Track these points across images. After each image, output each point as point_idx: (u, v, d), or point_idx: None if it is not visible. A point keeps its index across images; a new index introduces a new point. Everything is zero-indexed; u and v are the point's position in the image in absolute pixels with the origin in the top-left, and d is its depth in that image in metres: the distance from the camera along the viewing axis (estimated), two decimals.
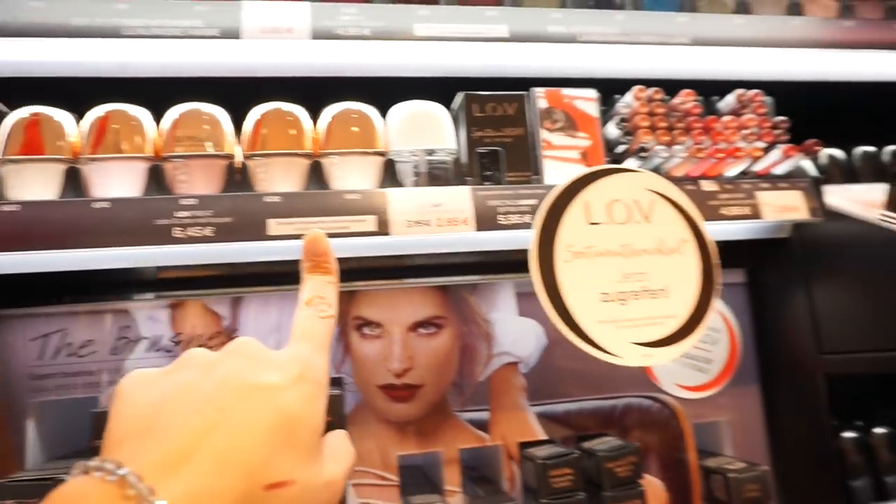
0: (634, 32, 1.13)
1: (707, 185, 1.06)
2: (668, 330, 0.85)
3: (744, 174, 1.12)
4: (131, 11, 0.97)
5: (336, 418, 0.45)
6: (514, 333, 1.22)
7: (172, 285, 1.14)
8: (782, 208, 1.07)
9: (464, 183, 1.01)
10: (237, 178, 0.99)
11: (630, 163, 1.09)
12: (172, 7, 0.98)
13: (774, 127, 1.11)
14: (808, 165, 1.21)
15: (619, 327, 0.83)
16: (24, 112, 0.94)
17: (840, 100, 1.32)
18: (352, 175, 1.01)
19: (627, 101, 1.11)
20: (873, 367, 1.01)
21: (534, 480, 1.02)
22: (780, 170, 1.12)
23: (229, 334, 1.13)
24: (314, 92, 1.04)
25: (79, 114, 0.97)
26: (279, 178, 0.99)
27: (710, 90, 1.17)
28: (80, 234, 0.86)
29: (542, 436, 1.18)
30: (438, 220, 0.94)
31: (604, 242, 0.86)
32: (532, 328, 1.22)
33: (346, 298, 1.17)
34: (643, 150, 1.05)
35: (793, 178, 1.11)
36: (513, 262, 1.21)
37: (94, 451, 0.90)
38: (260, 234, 0.90)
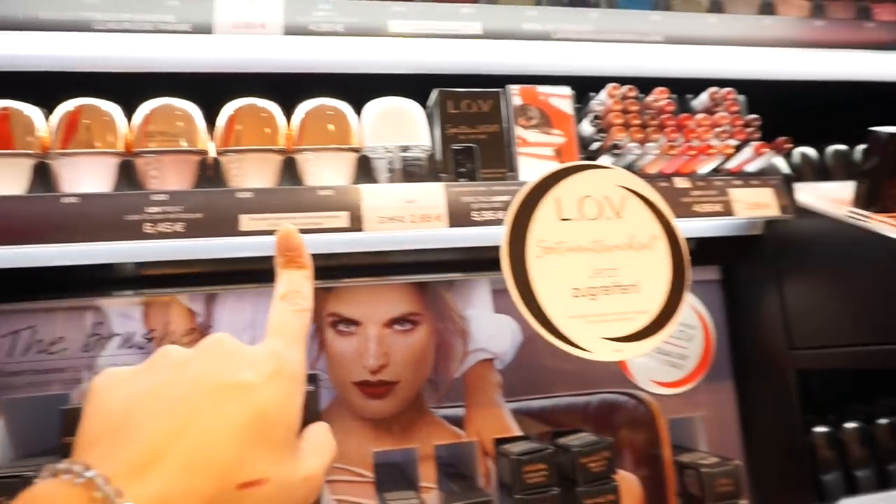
0: (608, 30, 1.14)
1: (680, 182, 1.07)
2: (639, 325, 0.85)
3: (717, 171, 1.13)
4: (102, 5, 0.96)
5: (311, 415, 0.45)
6: (490, 330, 1.22)
7: (146, 282, 1.13)
8: (754, 205, 1.08)
9: (438, 180, 1.01)
10: (210, 174, 0.99)
11: (604, 160, 1.09)
12: (143, 1, 0.98)
13: (746, 125, 1.12)
14: (781, 163, 1.22)
15: (589, 322, 0.83)
16: None
17: (813, 98, 1.34)
18: (326, 171, 1.00)
19: (602, 99, 1.12)
20: (842, 362, 1.03)
21: (508, 476, 1.03)
22: (752, 167, 1.13)
23: (203, 331, 1.12)
24: (288, 88, 1.03)
25: (49, 109, 0.96)
26: (252, 175, 0.98)
27: (684, 88, 1.18)
28: (48, 230, 0.85)
29: (518, 432, 1.19)
30: (412, 216, 0.94)
31: (575, 238, 0.86)
32: (508, 325, 1.22)
33: (322, 295, 1.17)
34: (617, 147, 1.06)
35: (764, 176, 1.12)
36: (489, 260, 1.21)
37: (63, 449, 0.90)
38: (232, 229, 0.90)
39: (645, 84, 1.12)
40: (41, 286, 1.08)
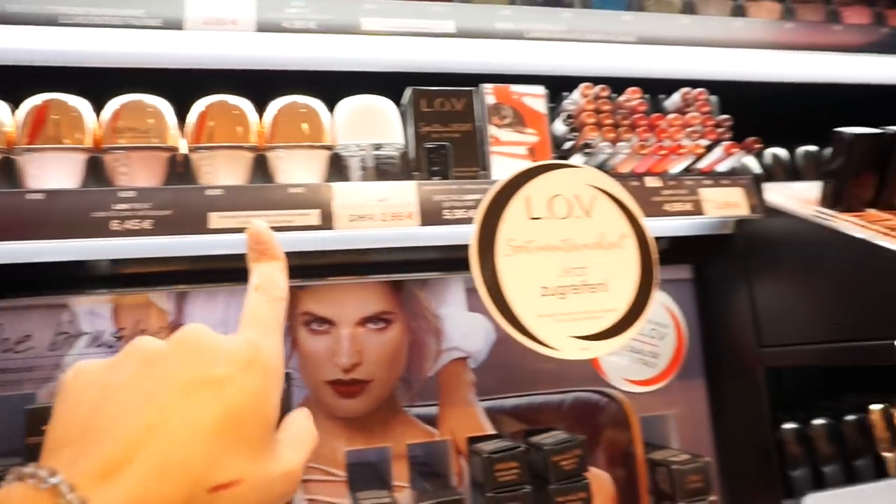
0: (581, 30, 1.15)
1: (651, 182, 1.08)
2: (607, 323, 0.86)
3: (688, 171, 1.14)
4: None
5: (283, 414, 0.44)
6: (464, 329, 1.22)
7: (116, 280, 1.12)
8: (724, 205, 1.09)
9: (411, 178, 1.01)
10: (180, 171, 0.98)
11: (576, 159, 1.10)
12: None
13: (717, 125, 1.13)
14: (753, 163, 1.24)
15: (557, 321, 0.84)
16: None
17: (784, 100, 1.36)
18: (298, 169, 1.00)
19: (574, 98, 1.12)
20: (810, 359, 1.04)
21: (480, 474, 1.03)
22: (722, 167, 1.14)
23: (174, 330, 1.11)
24: (260, 85, 1.03)
25: (15, 103, 0.94)
26: (223, 172, 0.98)
27: (656, 88, 1.19)
28: (13, 227, 0.84)
29: (491, 430, 1.19)
30: (383, 214, 0.94)
31: (544, 237, 0.87)
32: (481, 323, 1.22)
33: (295, 294, 1.16)
34: (589, 146, 1.06)
35: (734, 175, 1.13)
36: (463, 258, 1.21)
37: (28, 449, 0.88)
38: (201, 227, 0.89)
39: (618, 84, 1.13)
40: (7, 284, 1.06)
